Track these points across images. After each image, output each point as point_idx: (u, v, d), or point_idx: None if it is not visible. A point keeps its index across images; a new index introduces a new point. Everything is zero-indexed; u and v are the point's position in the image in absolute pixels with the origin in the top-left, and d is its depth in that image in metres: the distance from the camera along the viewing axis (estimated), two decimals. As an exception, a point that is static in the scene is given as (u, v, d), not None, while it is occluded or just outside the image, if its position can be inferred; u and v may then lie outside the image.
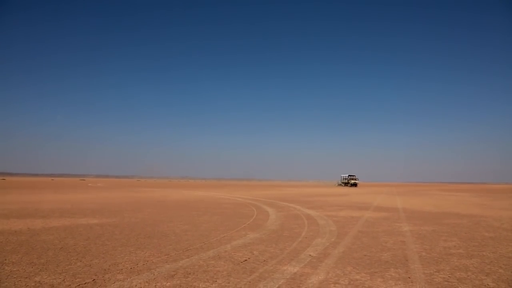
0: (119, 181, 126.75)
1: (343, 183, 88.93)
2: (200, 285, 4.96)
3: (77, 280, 5.10)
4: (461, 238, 9.30)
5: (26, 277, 5.21)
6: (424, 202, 24.48)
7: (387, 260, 6.61)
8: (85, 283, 4.95)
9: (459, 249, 7.76)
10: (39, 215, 13.07)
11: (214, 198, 27.29)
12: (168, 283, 5.00)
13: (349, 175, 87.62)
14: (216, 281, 5.15)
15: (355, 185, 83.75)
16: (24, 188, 43.83)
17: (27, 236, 8.69)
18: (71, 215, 13.40)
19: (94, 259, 6.35)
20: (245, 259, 6.53)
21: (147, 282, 5.05)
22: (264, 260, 6.44)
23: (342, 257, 6.83)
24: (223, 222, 11.89)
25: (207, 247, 7.60)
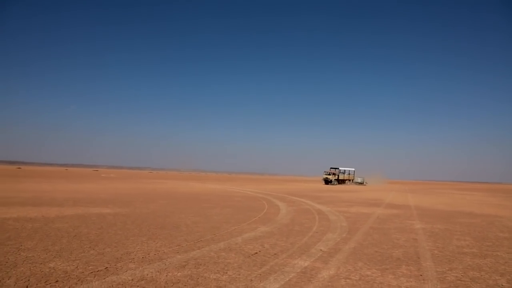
0: (132, 172, 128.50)
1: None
2: (211, 276, 4.99)
3: (90, 267, 5.19)
4: (475, 237, 9.14)
5: (41, 263, 5.33)
6: (436, 201, 24.13)
7: (399, 257, 6.54)
8: (97, 271, 5.03)
9: (473, 248, 7.62)
10: (54, 204, 13.34)
11: (225, 191, 27.43)
12: (179, 273, 5.05)
13: (331, 168, 58.59)
14: (226, 272, 5.18)
15: (327, 181, 54.03)
16: (39, 177, 44.84)
17: (42, 223, 8.88)
18: (85, 204, 13.64)
19: (106, 248, 6.45)
20: (255, 252, 6.55)
21: (158, 271, 5.11)
22: (275, 254, 6.44)
23: (353, 252, 6.79)
24: (234, 215, 11.93)
25: (218, 239, 7.65)
